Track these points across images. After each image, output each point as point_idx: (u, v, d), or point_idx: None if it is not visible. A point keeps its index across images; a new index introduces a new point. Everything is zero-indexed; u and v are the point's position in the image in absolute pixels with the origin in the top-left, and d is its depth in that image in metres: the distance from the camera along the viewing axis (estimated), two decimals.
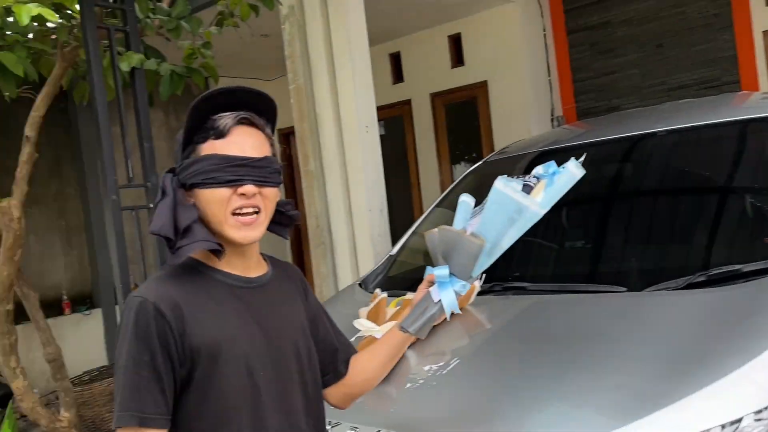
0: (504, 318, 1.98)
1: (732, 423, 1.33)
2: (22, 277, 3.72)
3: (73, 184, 6.50)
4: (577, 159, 1.29)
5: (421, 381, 1.73)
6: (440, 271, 1.33)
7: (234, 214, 1.23)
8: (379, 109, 6.79)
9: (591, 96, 6.58)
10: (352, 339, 1.86)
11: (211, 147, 1.24)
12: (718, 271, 1.86)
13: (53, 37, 3.59)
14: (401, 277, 2.76)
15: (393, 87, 7.09)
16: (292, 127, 4.63)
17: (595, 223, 2.40)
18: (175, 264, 1.24)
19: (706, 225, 2.13)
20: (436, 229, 1.34)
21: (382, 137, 7.09)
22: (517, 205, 1.24)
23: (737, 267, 1.86)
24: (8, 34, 3.49)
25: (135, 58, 3.10)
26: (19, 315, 4.22)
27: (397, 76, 7.08)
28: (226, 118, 1.24)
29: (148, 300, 1.19)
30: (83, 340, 6.26)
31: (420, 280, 1.70)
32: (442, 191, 6.81)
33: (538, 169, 1.35)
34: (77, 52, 3.40)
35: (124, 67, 3.09)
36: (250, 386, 1.23)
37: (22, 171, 3.30)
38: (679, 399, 1.37)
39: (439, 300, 1.33)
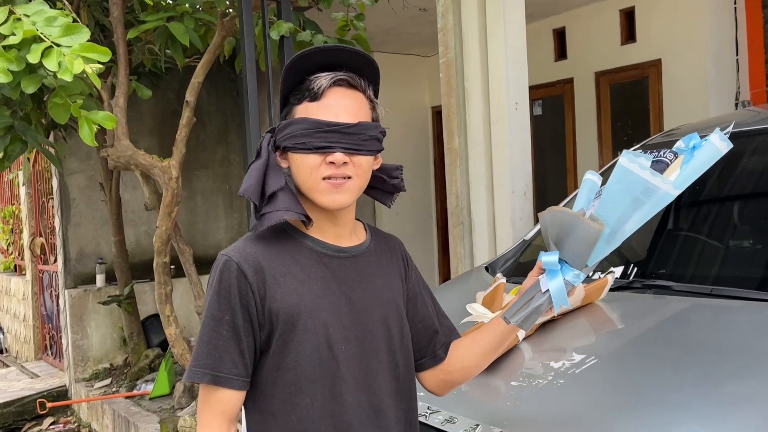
0: (640, 319, 1.74)
1: None
2: (179, 233, 4.01)
3: (237, 150, 6.94)
4: (722, 131, 1.04)
5: (533, 377, 1.57)
6: (548, 257, 1.19)
7: (324, 179, 1.19)
8: (539, 87, 6.51)
9: None
10: (461, 323, 1.74)
11: (305, 110, 1.20)
12: None
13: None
14: (533, 263, 2.57)
15: (555, 64, 6.72)
16: None
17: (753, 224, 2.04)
18: (263, 227, 1.21)
19: None
20: (547, 210, 1.17)
21: (539, 117, 6.84)
22: (645, 185, 1.05)
23: None
24: (178, 6, 3.74)
25: (284, 27, 3.16)
26: (178, 269, 4.57)
27: (560, 53, 6.69)
28: (321, 79, 1.19)
29: (232, 260, 1.19)
30: None
31: None
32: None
33: (679, 144, 1.13)
34: (235, 22, 3.55)
35: (274, 35, 3.17)
36: (329, 359, 1.18)
37: (181, 134, 3.54)
38: None
39: (547, 290, 1.16)
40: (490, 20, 4.08)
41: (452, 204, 4.38)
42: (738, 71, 5.91)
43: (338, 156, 1.17)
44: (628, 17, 6.13)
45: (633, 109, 6.26)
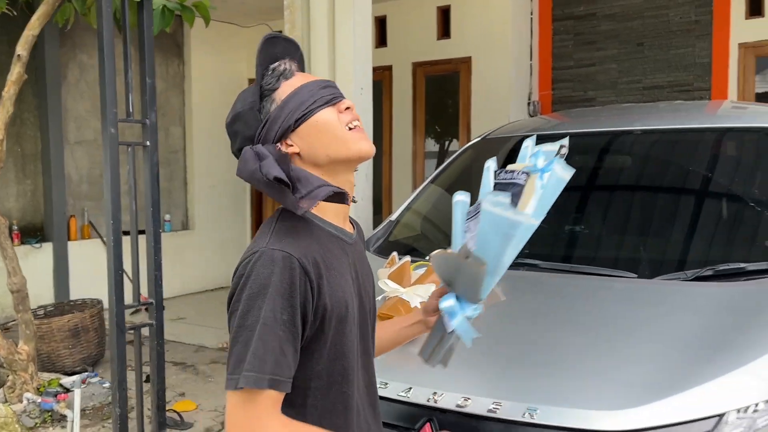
0: (521, 289, 2.03)
1: (746, 408, 1.45)
2: None
3: (32, 109, 6.21)
4: (560, 155, 1.23)
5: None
6: (445, 304, 1.27)
7: (350, 128, 1.18)
8: None
9: (568, 85, 6.72)
10: (377, 298, 1.89)
11: (288, 86, 1.19)
12: (724, 268, 1.99)
13: None
14: (402, 242, 2.81)
15: (375, 51, 7.03)
16: None
17: (606, 211, 2.50)
18: (288, 216, 1.17)
19: (713, 224, 2.26)
20: (437, 252, 1.27)
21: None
22: (510, 222, 1.16)
23: (742, 265, 2.00)
24: None
25: None
26: None
27: (381, 40, 7.02)
28: (286, 63, 1.22)
29: (293, 256, 1.09)
30: (31, 273, 6.05)
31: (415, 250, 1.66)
32: (414, 161, 6.88)
33: (525, 152, 1.29)
34: None
35: None
36: (357, 344, 1.21)
37: (9, 91, 3.14)
38: (702, 383, 1.48)
39: (453, 330, 1.26)
40: (338, 6, 4.21)
41: None
42: (531, 75, 6.78)
43: (348, 101, 1.19)
44: (444, 14, 6.66)
45: (445, 101, 6.84)
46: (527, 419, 1.48)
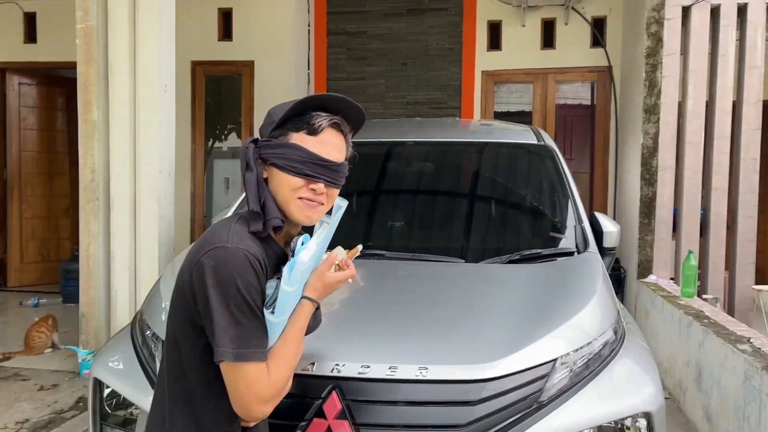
0: (384, 277, 2.34)
1: (566, 355, 1.96)
2: None
3: None
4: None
5: (339, 321, 1.95)
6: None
7: (300, 198, 1.44)
8: None
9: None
10: None
11: (301, 139, 1.42)
12: (528, 253, 2.55)
13: None
14: None
15: None
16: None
17: (427, 209, 2.95)
18: (244, 223, 1.42)
19: (515, 221, 2.84)
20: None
21: None
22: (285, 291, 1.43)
23: (539, 251, 2.58)
24: None
25: None
26: None
27: None
28: (322, 119, 1.43)
29: (249, 253, 1.34)
30: None
31: None
32: (193, 162, 6.79)
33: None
34: None
35: None
36: None
37: None
38: (539, 338, 1.94)
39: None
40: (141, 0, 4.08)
41: (87, 179, 4.20)
42: (309, 83, 7.17)
43: (321, 186, 1.44)
44: (226, 17, 6.70)
45: (227, 103, 6.87)
46: (420, 377, 1.80)
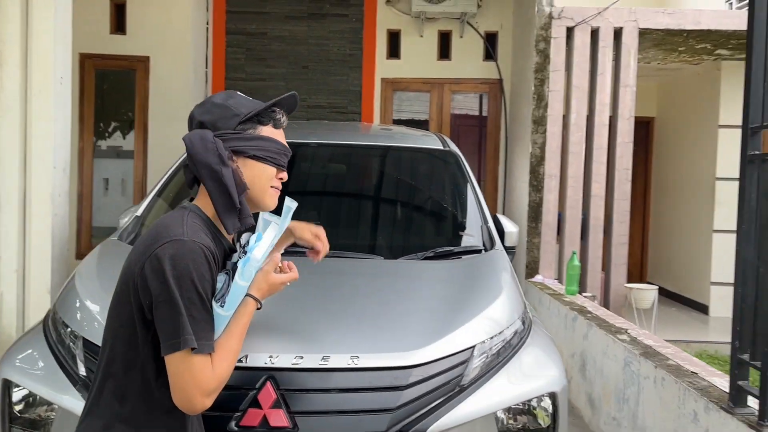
0: (311, 273, 2.39)
1: (482, 342, 2.12)
2: None
3: None
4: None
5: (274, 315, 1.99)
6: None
7: (271, 187, 1.55)
8: None
9: None
10: None
11: (270, 132, 1.54)
12: (441, 250, 2.71)
13: None
14: None
15: None
16: None
17: (346, 210, 3.04)
18: (195, 216, 1.46)
19: (427, 220, 2.99)
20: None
21: None
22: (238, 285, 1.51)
23: (452, 249, 2.75)
24: None
25: None
26: None
27: None
28: (282, 115, 1.57)
29: (204, 247, 1.39)
30: None
31: None
32: (80, 160, 6.45)
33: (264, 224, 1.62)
34: None
35: None
36: None
37: None
38: (458, 327, 2.09)
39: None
40: None
41: None
42: (207, 82, 7.03)
43: (285, 175, 1.58)
44: (119, 9, 6.44)
45: (119, 97, 6.59)
46: (352, 365, 1.89)
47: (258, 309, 1.54)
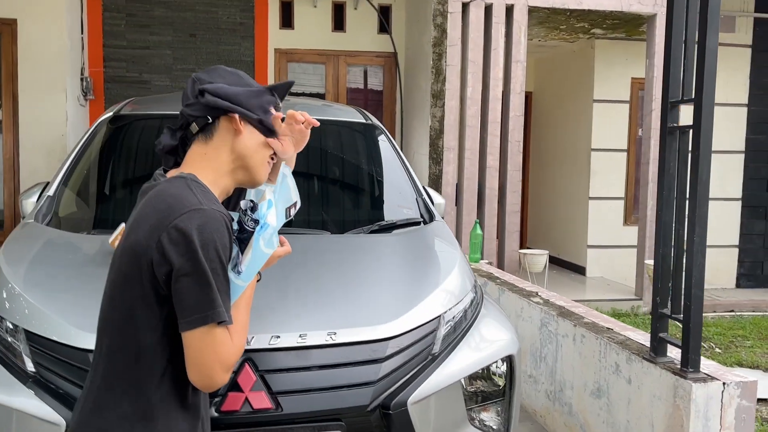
0: None
1: (447, 311, 2.17)
2: None
3: None
4: (288, 216, 1.56)
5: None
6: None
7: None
8: None
9: (122, 65, 6.69)
10: None
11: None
12: (385, 223, 2.72)
13: None
14: (72, 216, 2.67)
15: None
16: None
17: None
18: (198, 182, 1.37)
19: (362, 194, 2.97)
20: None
21: None
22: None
23: (394, 221, 2.77)
24: None
25: None
26: None
27: None
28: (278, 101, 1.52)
29: (224, 214, 1.31)
30: None
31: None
32: None
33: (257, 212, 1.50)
34: None
35: None
36: None
37: None
38: (424, 297, 2.12)
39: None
40: None
41: None
42: (83, 49, 6.46)
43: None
44: None
45: None
46: (330, 341, 1.87)
47: (258, 281, 1.50)
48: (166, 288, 1.26)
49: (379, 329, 1.94)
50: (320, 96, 7.06)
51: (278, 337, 1.83)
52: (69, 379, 1.74)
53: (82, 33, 6.44)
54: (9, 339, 1.87)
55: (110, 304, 1.33)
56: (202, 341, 1.25)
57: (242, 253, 1.41)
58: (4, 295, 1.98)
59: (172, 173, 1.45)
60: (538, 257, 6.30)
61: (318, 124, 1.59)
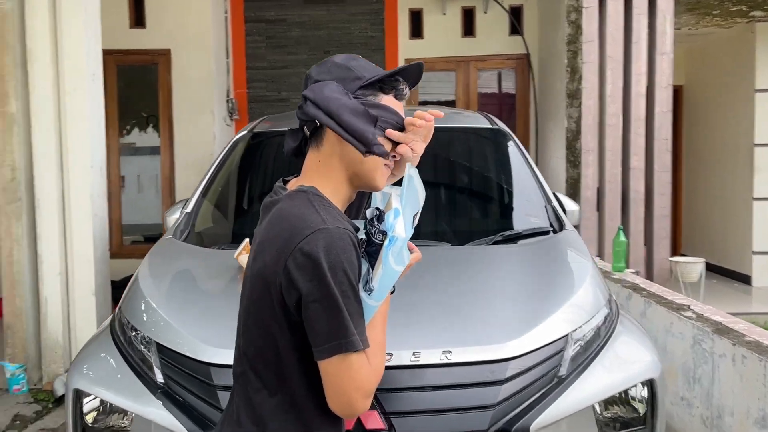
0: None
1: (575, 330, 2.00)
2: None
3: None
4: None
5: None
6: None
7: (385, 164, 1.34)
8: None
9: (262, 85, 7.05)
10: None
11: (391, 102, 1.33)
12: (510, 233, 2.59)
13: None
14: (209, 231, 2.81)
15: None
16: None
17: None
18: (319, 196, 1.27)
19: (487, 203, 2.86)
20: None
21: None
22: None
23: (519, 231, 2.62)
24: None
25: None
26: None
27: None
28: (406, 87, 1.36)
29: (350, 231, 1.21)
30: None
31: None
32: (107, 158, 6.36)
33: (385, 222, 1.34)
34: None
35: None
36: None
37: None
38: (549, 315, 1.98)
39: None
40: None
41: (6, 178, 3.82)
42: (228, 72, 6.90)
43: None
44: (137, 2, 6.32)
45: (142, 92, 6.49)
46: (445, 360, 1.78)
47: (392, 293, 1.37)
48: (298, 314, 1.20)
49: (498, 349, 1.82)
50: (451, 104, 6.98)
51: (391, 354, 1.77)
52: (193, 391, 1.81)
53: (227, 58, 6.89)
54: (143, 350, 1.98)
55: (246, 335, 1.29)
56: (338, 369, 1.17)
57: (372, 269, 1.29)
58: (141, 309, 2.11)
59: (293, 184, 1.37)
60: (693, 266, 5.75)
61: (442, 114, 1.43)
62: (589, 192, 5.77)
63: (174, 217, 2.97)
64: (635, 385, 2.03)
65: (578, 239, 2.58)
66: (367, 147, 1.30)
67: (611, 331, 2.14)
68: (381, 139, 1.31)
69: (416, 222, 1.40)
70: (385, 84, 1.33)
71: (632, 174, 5.74)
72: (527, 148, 6.92)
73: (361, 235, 1.34)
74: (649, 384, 2.04)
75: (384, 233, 1.30)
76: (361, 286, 1.25)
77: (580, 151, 5.74)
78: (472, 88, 6.96)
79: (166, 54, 6.32)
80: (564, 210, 2.95)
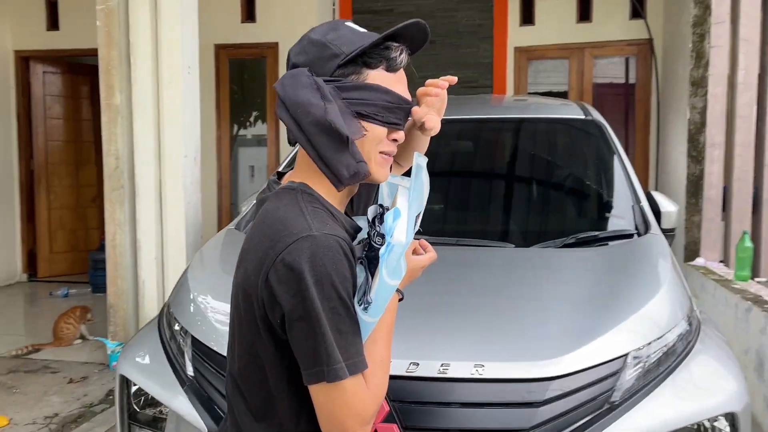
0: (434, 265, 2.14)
1: (638, 349, 1.75)
2: None
3: None
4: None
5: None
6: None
7: (381, 152, 1.14)
8: None
9: None
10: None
11: (381, 78, 1.12)
12: (584, 236, 2.33)
13: None
14: None
15: None
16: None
17: (474, 193, 2.74)
18: (309, 198, 1.10)
19: (566, 200, 2.62)
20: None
21: None
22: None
23: (596, 233, 2.36)
24: None
25: None
26: None
27: None
28: (402, 54, 1.14)
29: (339, 239, 1.05)
30: None
31: None
32: (218, 148, 6.65)
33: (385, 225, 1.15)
34: None
35: None
36: None
37: None
38: (605, 331, 1.74)
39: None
40: None
41: (111, 166, 4.07)
42: None
43: (401, 134, 1.15)
44: None
45: (252, 87, 6.70)
46: (476, 375, 1.61)
47: (400, 300, 1.19)
48: (284, 332, 1.05)
49: (538, 366, 1.62)
50: (563, 95, 6.58)
51: (417, 364, 1.63)
52: (215, 386, 1.78)
53: None
54: (180, 341, 1.98)
55: (231, 352, 1.17)
56: (329, 396, 1.02)
57: (372, 278, 1.11)
58: (184, 299, 2.11)
59: (287, 179, 1.21)
60: None
61: (455, 80, 1.23)
62: (713, 191, 5.20)
63: (246, 208, 2.99)
64: (713, 418, 1.74)
65: (661, 244, 2.27)
66: (341, 182, 1.10)
67: (687, 352, 1.85)
68: (370, 125, 1.10)
69: (419, 224, 1.24)
70: (370, 57, 1.12)
71: (766, 172, 5.09)
72: (647, 142, 6.38)
73: (364, 235, 1.18)
74: (730, 418, 1.74)
75: (383, 236, 1.12)
76: (356, 298, 1.08)
77: (703, 146, 5.18)
78: (587, 78, 6.51)
79: (274, 47, 6.48)
80: (659, 211, 2.62)
